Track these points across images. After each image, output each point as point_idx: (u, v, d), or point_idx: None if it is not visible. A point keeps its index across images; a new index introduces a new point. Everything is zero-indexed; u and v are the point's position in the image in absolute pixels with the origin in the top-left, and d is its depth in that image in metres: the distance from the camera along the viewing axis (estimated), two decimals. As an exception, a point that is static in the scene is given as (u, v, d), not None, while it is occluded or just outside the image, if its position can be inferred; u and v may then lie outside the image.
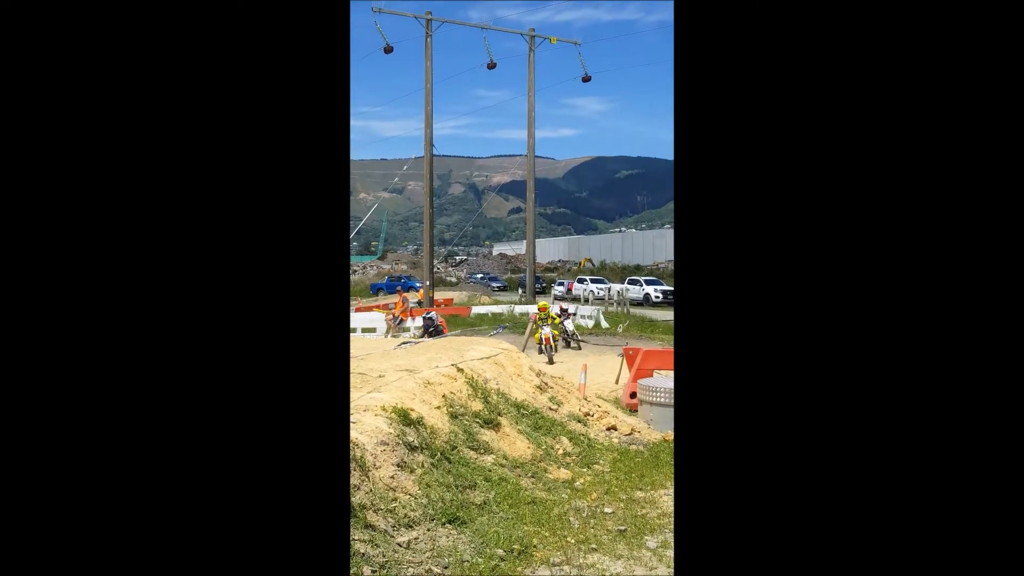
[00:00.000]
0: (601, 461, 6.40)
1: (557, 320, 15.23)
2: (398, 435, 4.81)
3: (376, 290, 42.65)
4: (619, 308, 27.80)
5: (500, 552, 4.05)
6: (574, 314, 18.68)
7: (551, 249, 71.97)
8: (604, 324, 22.57)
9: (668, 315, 23.75)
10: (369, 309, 23.86)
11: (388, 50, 30.96)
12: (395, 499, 4.24)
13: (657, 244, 56.44)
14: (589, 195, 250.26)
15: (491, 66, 33.08)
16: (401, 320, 18.36)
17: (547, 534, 4.48)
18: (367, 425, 4.70)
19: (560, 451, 6.38)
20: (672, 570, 3.94)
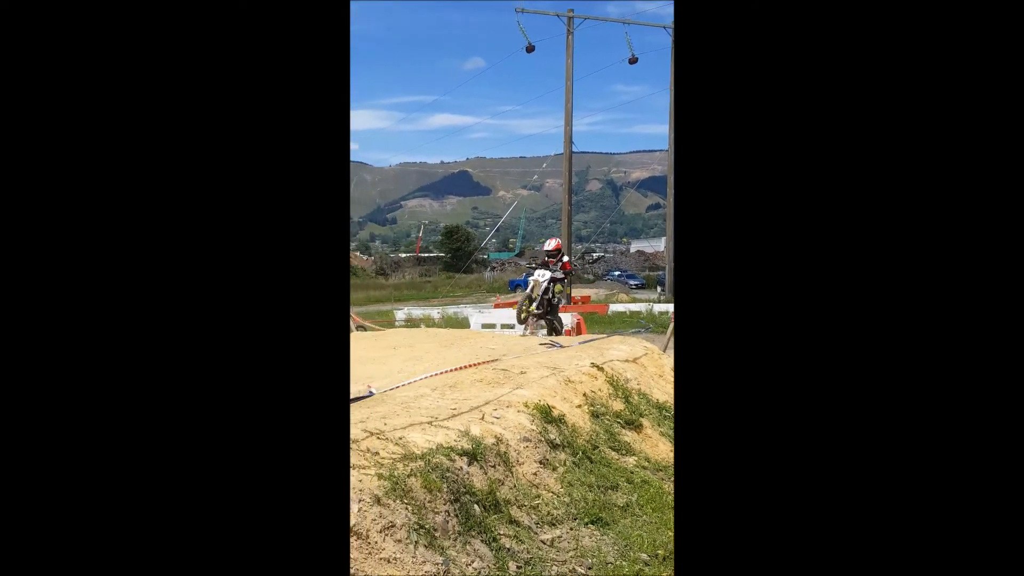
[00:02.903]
0: (748, 469, 6.14)
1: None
2: (540, 432, 4.84)
3: (515, 286, 43.34)
4: (764, 308, 26.59)
5: (644, 556, 3.97)
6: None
7: (691, 246, 69.95)
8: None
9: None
10: (508, 305, 24.24)
11: (530, 49, 31.28)
12: (538, 496, 4.27)
13: (806, 241, 53.51)
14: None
15: (632, 61, 32.62)
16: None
17: (692, 541, 4.35)
18: (510, 421, 4.75)
19: (704, 456, 6.18)
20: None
